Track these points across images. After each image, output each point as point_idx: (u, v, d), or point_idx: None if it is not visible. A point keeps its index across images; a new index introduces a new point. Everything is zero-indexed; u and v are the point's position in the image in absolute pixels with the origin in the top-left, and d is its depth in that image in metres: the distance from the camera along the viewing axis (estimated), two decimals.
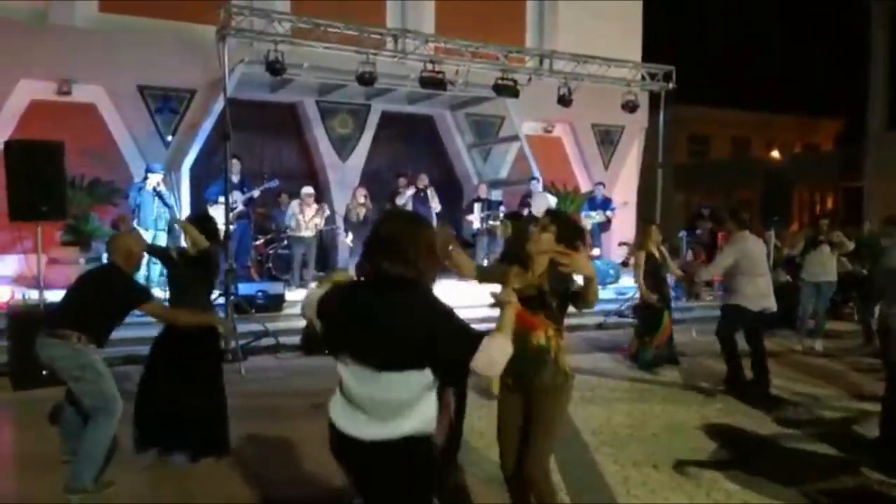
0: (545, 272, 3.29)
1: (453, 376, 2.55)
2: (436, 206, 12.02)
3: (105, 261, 5.69)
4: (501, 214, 12.30)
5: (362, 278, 2.48)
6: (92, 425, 4.33)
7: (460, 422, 4.11)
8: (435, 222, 11.89)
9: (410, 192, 11.87)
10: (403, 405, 2.33)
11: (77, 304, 4.49)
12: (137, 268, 4.87)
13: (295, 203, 10.90)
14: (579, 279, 3.31)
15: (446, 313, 2.37)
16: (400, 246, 2.36)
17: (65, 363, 4.33)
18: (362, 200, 11.26)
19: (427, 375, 2.36)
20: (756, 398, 6.70)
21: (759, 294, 6.96)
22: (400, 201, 11.75)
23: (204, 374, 4.89)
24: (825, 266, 9.04)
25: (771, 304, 7.06)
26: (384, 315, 2.33)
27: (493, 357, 2.30)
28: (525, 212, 12.34)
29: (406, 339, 2.30)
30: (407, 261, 2.36)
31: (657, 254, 7.95)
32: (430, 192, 12.06)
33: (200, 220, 5.37)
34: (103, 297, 4.47)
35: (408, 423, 2.34)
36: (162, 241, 9.70)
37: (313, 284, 10.67)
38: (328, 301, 2.52)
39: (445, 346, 2.30)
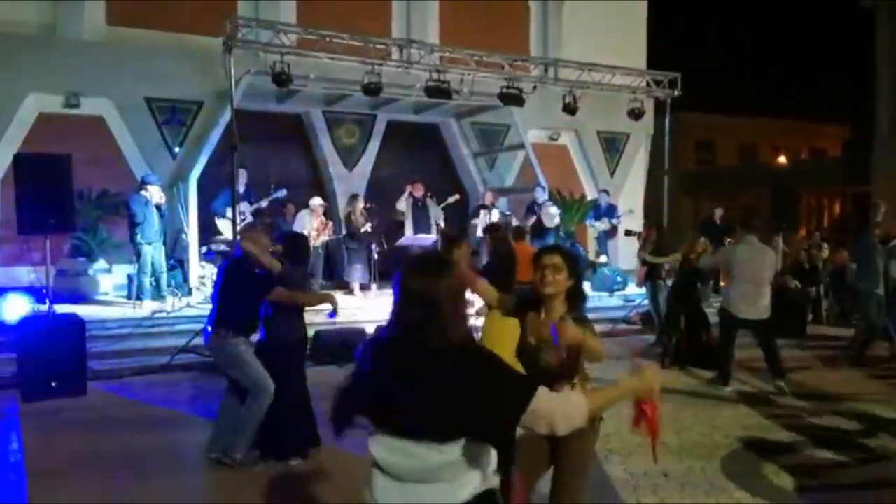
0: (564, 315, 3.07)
1: (501, 439, 2.19)
2: (437, 213, 11.99)
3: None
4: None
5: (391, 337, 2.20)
6: (245, 407, 4.95)
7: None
8: (435, 231, 11.86)
9: (409, 200, 11.89)
10: (457, 467, 2.07)
11: (221, 303, 5.10)
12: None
13: (304, 212, 10.92)
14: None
15: (491, 370, 2.11)
16: (426, 306, 2.08)
17: (218, 356, 5.17)
18: (361, 210, 11.30)
19: (472, 441, 2.09)
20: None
21: (741, 300, 7.10)
22: (399, 206, 11.79)
23: (293, 379, 5.15)
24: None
25: (752, 314, 7.10)
26: (420, 380, 2.06)
27: (570, 414, 2.07)
28: (531, 220, 12.34)
29: (446, 405, 2.02)
30: (441, 326, 2.08)
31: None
32: (430, 202, 12.05)
33: (286, 241, 5.55)
34: (236, 290, 5.04)
35: (473, 482, 2.10)
36: (161, 253, 9.73)
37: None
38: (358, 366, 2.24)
39: (496, 406, 2.03)
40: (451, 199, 12.41)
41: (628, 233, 10.46)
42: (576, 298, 3.18)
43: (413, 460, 2.07)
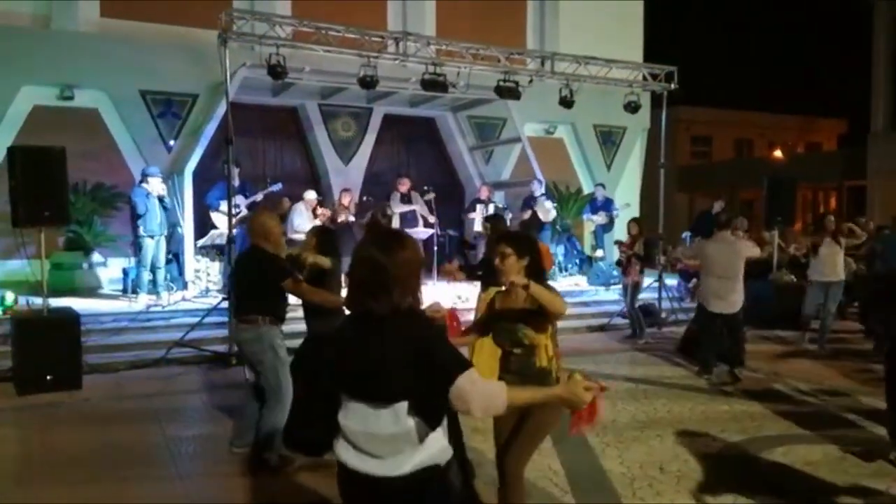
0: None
1: (441, 407, 2.29)
2: (422, 209, 11.96)
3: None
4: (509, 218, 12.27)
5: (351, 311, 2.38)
6: (266, 408, 4.80)
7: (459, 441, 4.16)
8: (421, 225, 11.79)
9: (397, 196, 11.90)
10: (401, 439, 2.22)
11: (246, 289, 4.95)
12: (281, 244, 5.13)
13: (301, 205, 10.89)
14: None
15: (435, 337, 2.29)
16: (378, 279, 2.24)
17: (252, 346, 4.81)
18: (346, 203, 11.30)
19: (415, 411, 2.23)
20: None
21: (711, 294, 7.43)
22: (394, 206, 11.80)
23: None
24: (834, 265, 8.89)
25: (721, 308, 7.36)
26: (371, 348, 2.24)
27: (489, 403, 2.19)
28: (527, 214, 12.33)
29: (394, 370, 2.19)
30: (387, 294, 2.23)
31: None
32: (414, 195, 12.02)
33: (318, 234, 5.48)
34: (255, 277, 4.84)
35: (414, 458, 2.23)
36: (163, 245, 9.71)
37: None
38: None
39: (433, 367, 2.18)
40: (426, 197, 12.28)
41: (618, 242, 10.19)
42: (532, 272, 3.47)
43: (366, 425, 2.24)
